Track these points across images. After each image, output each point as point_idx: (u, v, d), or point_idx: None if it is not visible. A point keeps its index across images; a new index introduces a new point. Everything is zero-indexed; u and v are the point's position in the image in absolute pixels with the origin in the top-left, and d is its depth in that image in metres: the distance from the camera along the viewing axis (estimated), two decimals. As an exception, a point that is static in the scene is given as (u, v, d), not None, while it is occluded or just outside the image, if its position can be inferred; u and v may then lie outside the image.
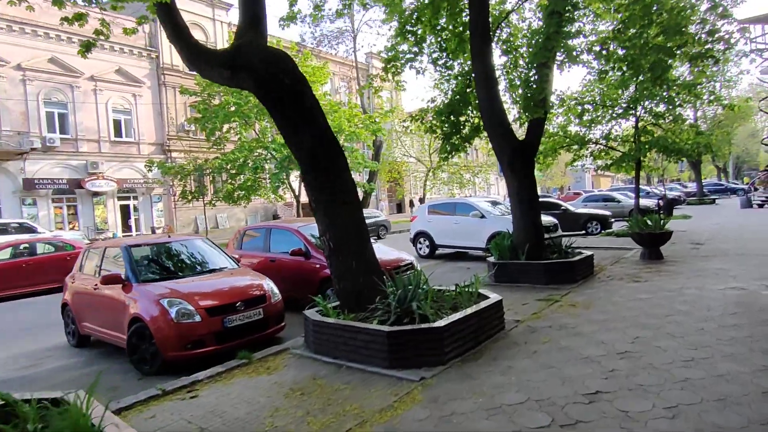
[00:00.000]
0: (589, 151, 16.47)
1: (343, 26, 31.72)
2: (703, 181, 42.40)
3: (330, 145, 5.90)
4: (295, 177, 25.44)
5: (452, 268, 11.87)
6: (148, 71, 28.56)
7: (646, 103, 15.22)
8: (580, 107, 14.80)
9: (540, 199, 22.23)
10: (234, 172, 23.48)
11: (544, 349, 4.97)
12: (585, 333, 5.36)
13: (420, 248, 14.54)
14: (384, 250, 8.60)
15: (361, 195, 35.73)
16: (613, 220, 18.08)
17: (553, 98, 12.81)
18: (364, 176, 31.48)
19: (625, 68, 8.77)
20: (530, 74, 7.96)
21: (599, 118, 15.70)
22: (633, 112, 15.32)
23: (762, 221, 17.14)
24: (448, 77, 10.20)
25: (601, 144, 16.29)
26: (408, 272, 7.98)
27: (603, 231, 17.61)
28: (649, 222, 10.15)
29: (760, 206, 25.98)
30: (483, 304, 5.60)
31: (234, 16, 34.68)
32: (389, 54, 9.87)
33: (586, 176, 70.08)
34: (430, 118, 9.98)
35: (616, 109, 15.15)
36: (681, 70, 15.97)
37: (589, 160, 16.86)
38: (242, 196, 24.43)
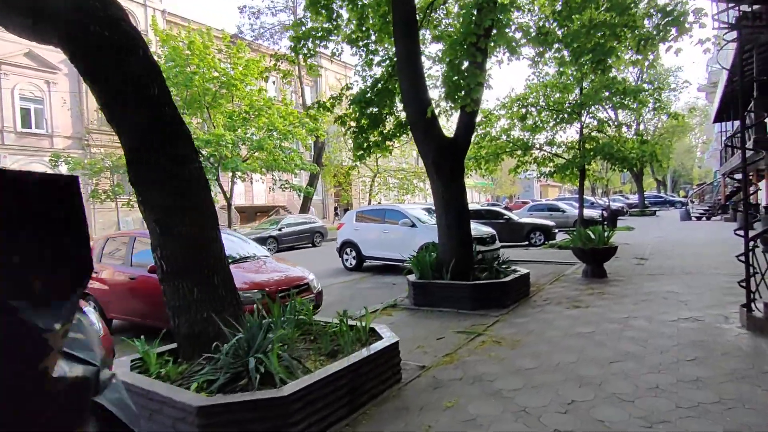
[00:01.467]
0: (532, 157, 15.50)
1: (285, 19, 29.88)
2: (645, 192, 43.48)
3: (171, 125, 4.21)
4: (227, 177, 23.37)
5: (376, 284, 10.36)
6: (65, 57, 25.56)
7: (592, 108, 14.38)
8: (523, 109, 13.73)
9: (484, 208, 21.33)
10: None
11: (442, 423, 3.46)
12: (504, 392, 3.90)
13: (346, 260, 12.95)
14: (275, 267, 6.93)
15: (300, 200, 34.02)
16: (556, 230, 17.20)
17: (493, 99, 11.83)
18: (304, 180, 29.66)
19: (565, 52, 7.56)
20: (457, 54, 6.58)
21: (543, 124, 14.75)
22: (578, 117, 14.46)
23: (702, 235, 16.72)
24: (369, 61, 8.69)
25: (545, 150, 15.35)
26: (305, 295, 6.39)
27: (546, 242, 16.68)
28: (592, 236, 9.02)
29: (698, 219, 26.22)
30: (373, 347, 4.06)
31: (170, 2, 32.02)
32: (300, 31, 8.27)
33: (535, 185, 71.20)
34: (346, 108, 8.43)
35: (561, 114, 14.20)
36: (626, 74, 15.27)
37: (533, 168, 15.86)
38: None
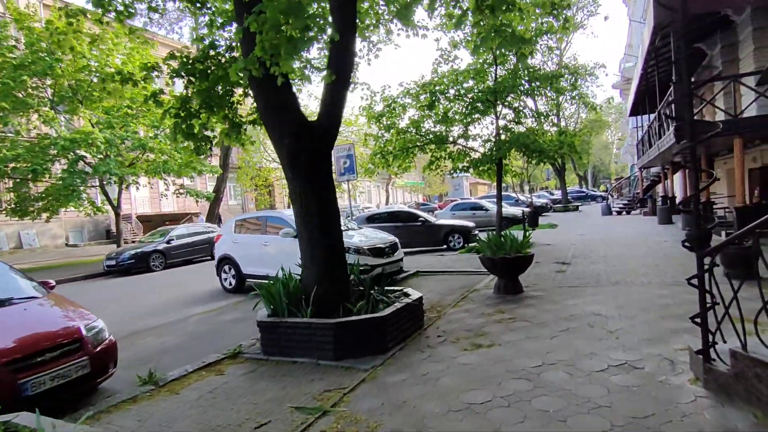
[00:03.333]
0: (447, 152, 13.88)
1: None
2: (568, 188, 44.15)
3: None
4: (115, 183, 20.08)
5: (248, 314, 8.13)
6: None
7: (508, 98, 12.97)
8: (432, 97, 12.02)
9: (397, 209, 19.61)
10: (21, 177, 17.72)
11: None
12: None
13: (225, 279, 10.60)
14: (29, 316, 4.54)
15: (200, 205, 30.77)
16: (477, 232, 15.77)
17: (393, 86, 10.07)
18: (208, 183, 26.68)
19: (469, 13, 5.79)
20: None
21: (455, 114, 13.17)
22: (492, 106, 13.00)
23: (624, 231, 15.93)
24: (211, 22, 6.44)
25: (459, 144, 13.79)
26: (72, 359, 4.10)
27: (466, 245, 15.18)
28: (504, 241, 7.35)
29: (619, 213, 26.17)
30: None
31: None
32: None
33: (464, 184, 71.46)
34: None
35: (474, 103, 12.64)
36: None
37: (447, 164, 14.25)
38: (43, 208, 18.57)
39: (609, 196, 31.70)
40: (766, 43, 12.14)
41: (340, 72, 5.38)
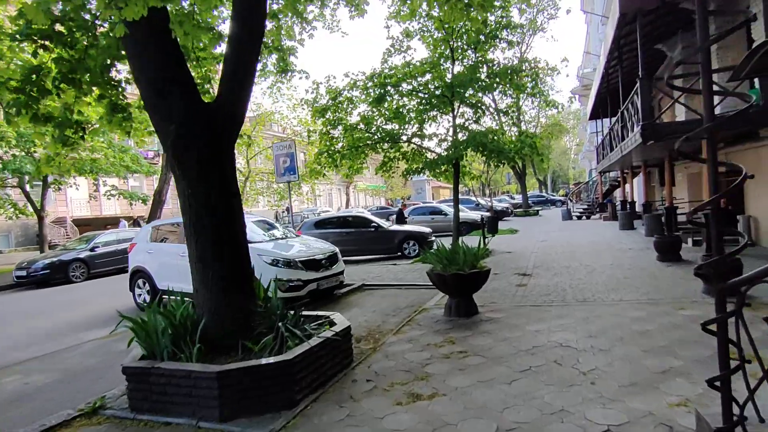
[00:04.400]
0: (401, 152, 12.77)
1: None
2: (528, 192, 44.13)
3: None
4: (36, 183, 18.00)
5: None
6: None
7: (467, 94, 11.97)
8: (380, 90, 10.86)
9: (349, 214, 18.35)
10: None
11: None
12: None
13: (139, 295, 9.06)
14: None
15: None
16: (433, 238, 14.72)
17: (340, 77, 8.72)
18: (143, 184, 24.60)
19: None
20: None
21: (410, 112, 12.09)
22: (448, 103, 11.99)
23: (587, 237, 15.25)
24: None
25: (414, 143, 12.70)
26: None
27: (422, 252, 14.10)
28: (457, 253, 6.22)
29: (579, 218, 25.83)
30: None
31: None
32: None
33: (427, 187, 70.94)
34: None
35: (430, 99, 11.57)
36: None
37: (399, 165, 13.13)
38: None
39: (569, 201, 31.49)
40: (729, 41, 11.65)
41: (247, 22, 4.11)
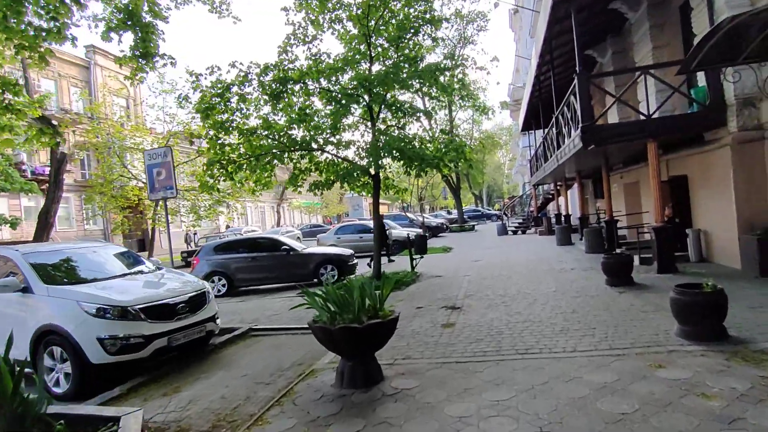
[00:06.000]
0: (313, 162, 10.86)
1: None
2: (464, 207, 43.58)
3: None
4: None
5: None
6: None
7: (387, 96, 10.31)
8: (278, 86, 8.93)
9: (259, 236, 16.11)
10: None
11: None
12: None
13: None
14: None
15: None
16: (355, 261, 12.86)
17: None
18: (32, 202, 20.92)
19: None
20: None
21: (321, 116, 10.25)
22: (367, 107, 10.29)
23: (524, 255, 13.97)
24: None
25: (328, 152, 10.85)
26: None
27: (343, 277, 12.18)
28: (350, 297, 4.33)
29: (514, 233, 25.01)
30: None
31: None
32: None
33: (364, 203, 69.32)
34: None
35: (344, 101, 9.76)
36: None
37: (314, 176, 11.19)
38: None
39: (504, 215, 30.85)
40: (665, 41, 10.85)
41: None
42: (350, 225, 20.14)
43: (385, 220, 24.65)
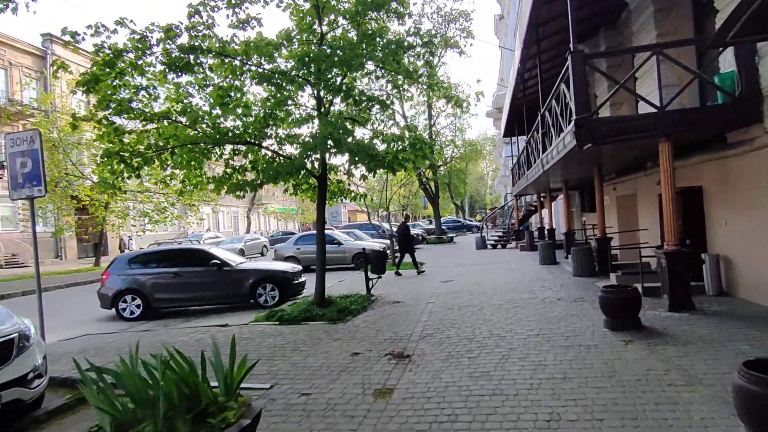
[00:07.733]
0: (249, 160, 8.86)
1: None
2: (443, 217, 41.81)
3: None
4: None
5: None
6: None
7: (337, 80, 8.36)
8: (186, 56, 6.90)
9: (180, 247, 11.95)
10: None
11: None
12: None
13: None
14: None
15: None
16: (303, 279, 10.82)
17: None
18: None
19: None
20: None
21: (252, 101, 8.29)
22: (315, 92, 8.36)
23: (501, 277, 12.07)
24: None
25: (268, 148, 8.87)
26: None
27: (287, 298, 10.17)
28: (157, 382, 2.33)
29: (494, 246, 23.22)
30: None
31: None
32: None
33: (342, 210, 67.17)
34: None
35: (285, 83, 7.77)
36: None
37: (250, 176, 9.15)
38: None
39: (484, 227, 29.05)
40: (671, 28, 9.15)
41: None
42: (310, 235, 17.97)
43: (352, 232, 22.61)
